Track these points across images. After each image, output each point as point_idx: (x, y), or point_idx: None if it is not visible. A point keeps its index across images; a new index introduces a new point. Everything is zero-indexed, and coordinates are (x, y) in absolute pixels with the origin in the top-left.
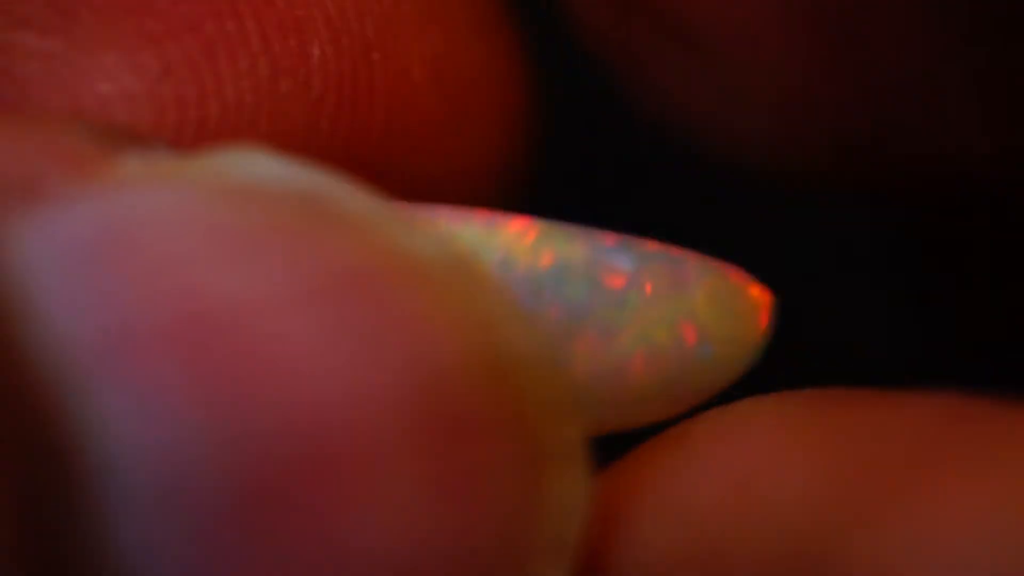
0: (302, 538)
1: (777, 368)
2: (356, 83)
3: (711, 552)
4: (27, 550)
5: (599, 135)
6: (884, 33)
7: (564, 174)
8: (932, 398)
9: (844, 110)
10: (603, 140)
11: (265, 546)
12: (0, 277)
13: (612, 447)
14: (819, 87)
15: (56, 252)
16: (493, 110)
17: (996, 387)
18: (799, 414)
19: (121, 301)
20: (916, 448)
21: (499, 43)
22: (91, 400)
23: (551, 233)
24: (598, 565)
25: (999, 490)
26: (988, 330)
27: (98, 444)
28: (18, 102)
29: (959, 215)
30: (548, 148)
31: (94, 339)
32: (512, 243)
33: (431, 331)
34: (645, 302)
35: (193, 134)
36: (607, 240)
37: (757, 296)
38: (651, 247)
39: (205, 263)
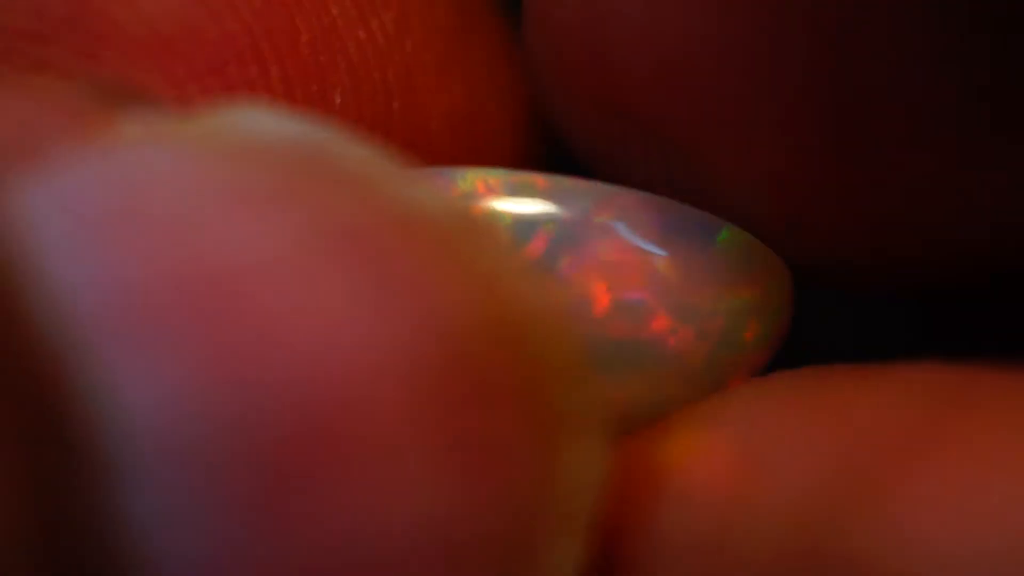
0: (319, 509)
1: (777, 368)
2: (375, 131)
3: (717, 541)
4: (37, 519)
5: None
6: (887, 135)
7: None
8: (931, 370)
9: (844, 203)
10: None
11: (282, 516)
12: (1, 237)
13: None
14: (814, 204)
15: (58, 212)
16: (509, 163)
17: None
18: (802, 396)
19: (125, 261)
20: (917, 424)
21: (517, 97)
22: (98, 364)
23: None
24: (613, 547)
25: (999, 471)
26: (988, 329)
27: (107, 409)
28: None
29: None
30: None
31: (98, 299)
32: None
33: (441, 291)
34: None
35: None
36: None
37: (783, 270)
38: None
39: (209, 223)
